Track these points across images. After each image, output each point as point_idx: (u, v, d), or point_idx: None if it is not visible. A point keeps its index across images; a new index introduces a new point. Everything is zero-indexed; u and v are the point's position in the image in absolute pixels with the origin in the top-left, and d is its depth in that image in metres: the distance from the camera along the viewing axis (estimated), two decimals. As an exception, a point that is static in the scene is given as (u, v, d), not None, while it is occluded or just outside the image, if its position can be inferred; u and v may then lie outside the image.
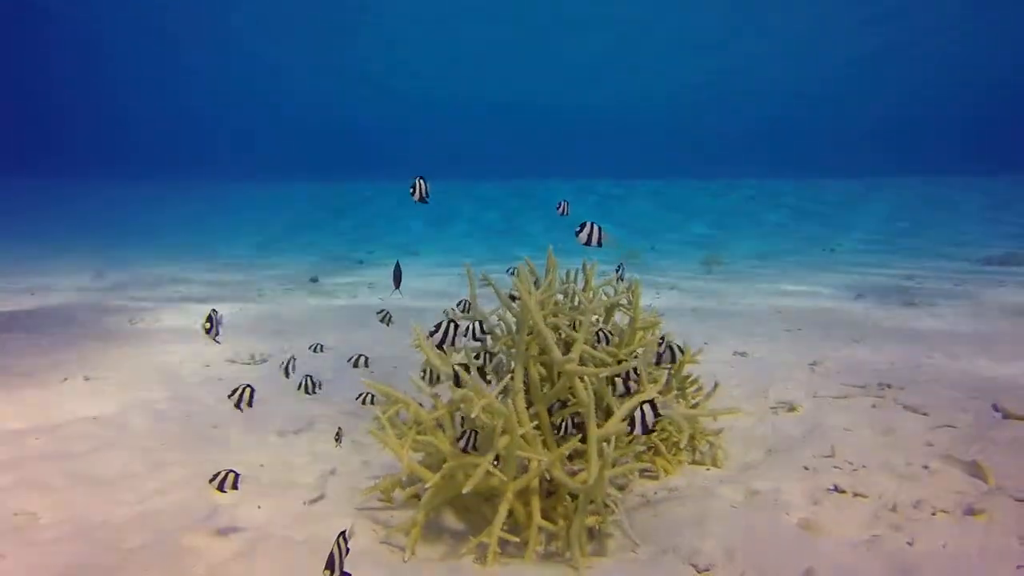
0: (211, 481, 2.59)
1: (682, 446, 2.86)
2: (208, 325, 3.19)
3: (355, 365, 4.11)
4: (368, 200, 34.73)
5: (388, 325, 4.55)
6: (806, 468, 3.54)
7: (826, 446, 3.83)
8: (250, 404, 3.01)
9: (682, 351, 3.51)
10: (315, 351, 4.82)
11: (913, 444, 3.71)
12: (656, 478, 3.66)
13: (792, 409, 4.63)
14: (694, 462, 4.01)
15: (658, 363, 3.35)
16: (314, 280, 12.61)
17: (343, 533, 2.05)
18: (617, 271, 4.18)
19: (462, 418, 3.31)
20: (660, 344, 3.29)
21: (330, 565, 1.94)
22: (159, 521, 2.79)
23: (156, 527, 2.73)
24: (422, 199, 3.13)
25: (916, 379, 5.09)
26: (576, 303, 3.66)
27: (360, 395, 3.95)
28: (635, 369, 2.93)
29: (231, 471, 2.62)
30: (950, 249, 16.31)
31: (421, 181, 3.15)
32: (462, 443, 2.66)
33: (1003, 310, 8.14)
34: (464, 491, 2.46)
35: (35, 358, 5.87)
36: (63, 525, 2.70)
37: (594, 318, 3.72)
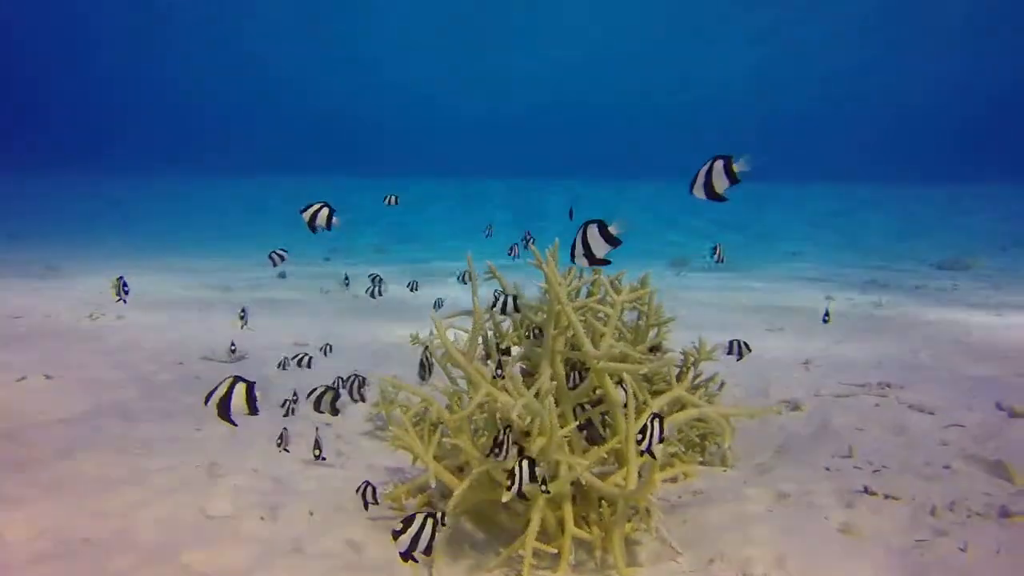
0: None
1: (726, 446, 2.74)
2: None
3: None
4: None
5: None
6: (827, 469, 3.46)
7: (841, 446, 3.77)
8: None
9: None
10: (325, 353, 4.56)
11: (928, 443, 3.68)
12: (675, 480, 3.53)
13: (797, 408, 4.58)
14: (703, 463, 3.90)
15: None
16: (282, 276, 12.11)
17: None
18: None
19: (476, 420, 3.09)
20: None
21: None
22: (148, 536, 2.48)
23: (146, 543, 2.42)
24: (313, 228, 2.64)
25: (911, 378, 5.12)
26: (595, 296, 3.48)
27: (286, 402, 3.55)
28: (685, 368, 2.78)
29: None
30: (905, 253, 16.91)
31: (324, 208, 2.61)
32: (497, 451, 2.44)
33: (966, 310, 8.39)
34: (504, 500, 2.25)
35: None
36: (37, 542, 2.36)
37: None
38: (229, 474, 3.17)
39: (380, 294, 4.13)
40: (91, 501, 2.74)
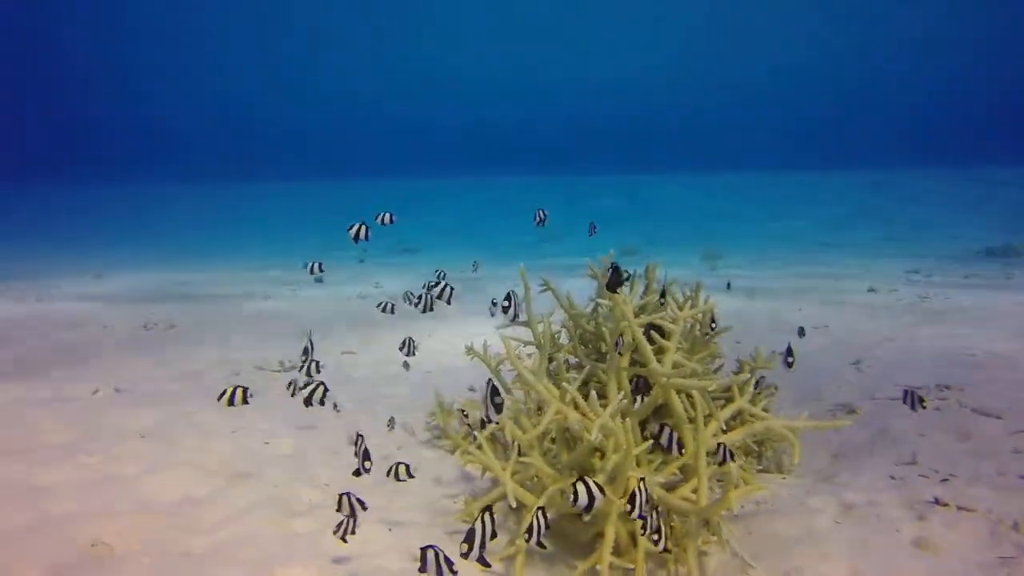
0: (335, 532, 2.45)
1: (796, 462, 2.75)
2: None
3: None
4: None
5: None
6: (892, 478, 3.44)
7: (902, 453, 3.73)
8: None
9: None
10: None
11: (998, 451, 3.62)
12: (736, 487, 3.54)
13: (851, 412, 4.53)
14: (761, 469, 3.90)
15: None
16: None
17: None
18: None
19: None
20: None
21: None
22: (241, 552, 2.60)
23: (240, 558, 2.54)
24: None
25: (970, 379, 5.01)
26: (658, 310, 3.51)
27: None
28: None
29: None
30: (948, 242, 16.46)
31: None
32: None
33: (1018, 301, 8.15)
34: (586, 519, 2.30)
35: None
36: (143, 557, 2.49)
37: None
38: (302, 489, 3.28)
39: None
40: (181, 517, 2.87)
